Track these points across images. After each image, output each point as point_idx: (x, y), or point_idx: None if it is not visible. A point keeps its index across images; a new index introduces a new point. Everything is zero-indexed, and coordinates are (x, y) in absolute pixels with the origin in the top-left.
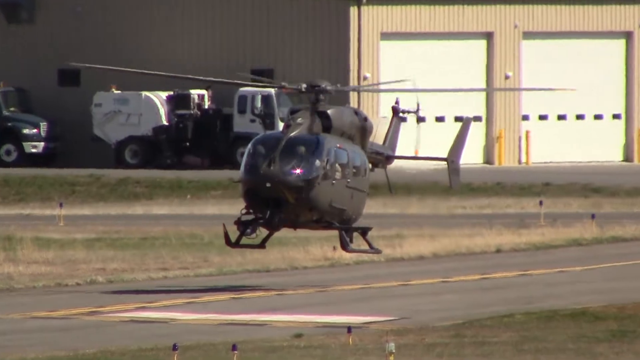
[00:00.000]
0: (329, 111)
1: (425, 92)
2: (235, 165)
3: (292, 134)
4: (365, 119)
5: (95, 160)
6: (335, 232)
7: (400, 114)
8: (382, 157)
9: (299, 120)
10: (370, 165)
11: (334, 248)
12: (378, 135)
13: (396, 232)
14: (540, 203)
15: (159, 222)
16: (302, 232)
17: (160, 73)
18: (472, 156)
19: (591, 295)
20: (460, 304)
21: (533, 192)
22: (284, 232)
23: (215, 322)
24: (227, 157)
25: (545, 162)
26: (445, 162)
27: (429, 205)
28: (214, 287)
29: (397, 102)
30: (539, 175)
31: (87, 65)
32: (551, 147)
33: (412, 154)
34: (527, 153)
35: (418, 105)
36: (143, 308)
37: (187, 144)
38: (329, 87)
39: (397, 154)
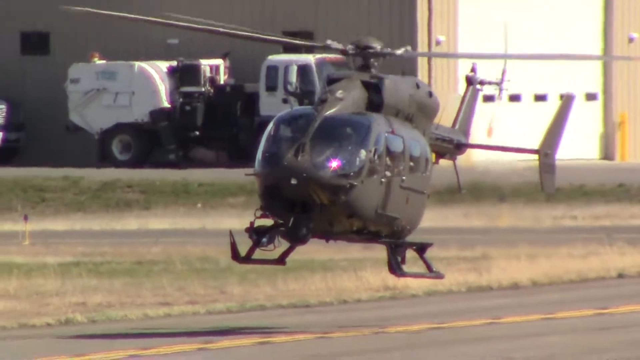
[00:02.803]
0: (379, 82)
1: (521, 59)
2: None
3: (328, 113)
4: (430, 93)
5: (72, 157)
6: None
7: (478, 86)
8: (450, 146)
9: (339, 93)
10: (433, 157)
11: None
12: (446, 116)
13: (482, 252)
14: None
15: (159, 240)
16: (354, 252)
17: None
18: (584, 149)
19: None
20: (569, 348)
21: None
22: (329, 252)
23: None
24: (250, 150)
25: None
26: (537, 156)
27: (526, 215)
28: (233, 328)
29: (473, 70)
30: None
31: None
32: None
33: (487, 141)
34: None
35: (504, 72)
36: (136, 357)
37: (197, 133)
38: (385, 50)
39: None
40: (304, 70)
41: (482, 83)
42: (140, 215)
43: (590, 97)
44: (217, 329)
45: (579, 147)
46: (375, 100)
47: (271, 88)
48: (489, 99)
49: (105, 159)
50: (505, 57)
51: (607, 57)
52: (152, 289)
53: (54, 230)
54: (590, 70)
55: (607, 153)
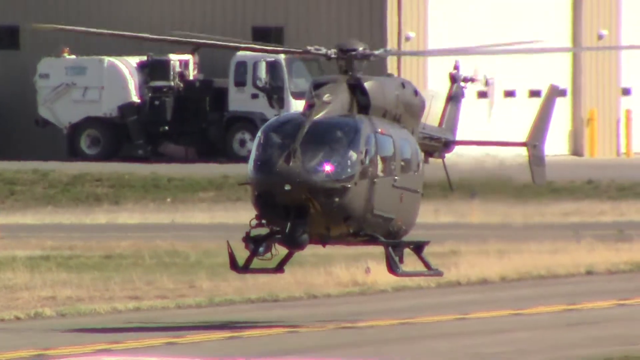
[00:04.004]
0: (366, 84)
1: (487, 54)
2: (231, 157)
3: (317, 117)
4: (416, 92)
5: (41, 151)
6: (375, 248)
7: (462, 83)
8: (438, 144)
9: (326, 97)
10: (423, 156)
11: (367, 269)
12: (430, 115)
13: (451, 248)
14: None
15: (128, 234)
16: (322, 249)
17: (145, 35)
18: (553, 145)
19: None
20: (538, 344)
21: (636, 193)
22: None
23: None
24: (220, 145)
25: None
26: (525, 148)
27: (495, 211)
28: (203, 322)
29: (456, 68)
30: None
31: (42, 25)
32: None
33: (477, 138)
34: (627, 140)
35: (487, 80)
36: (106, 351)
37: (166, 127)
38: (367, 51)
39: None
40: (273, 66)
41: (465, 80)
42: (110, 209)
43: (560, 93)
44: (187, 323)
45: (548, 143)
46: (362, 102)
47: (240, 83)
48: (483, 95)
49: (74, 154)
50: (481, 52)
51: (577, 49)
52: (122, 283)
53: (23, 224)
54: (559, 67)
55: (576, 149)
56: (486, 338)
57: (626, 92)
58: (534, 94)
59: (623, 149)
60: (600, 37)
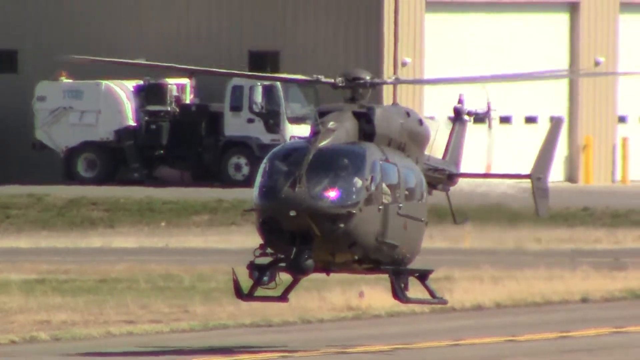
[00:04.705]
0: (370, 112)
1: (497, 81)
2: (226, 182)
3: (322, 144)
4: (420, 121)
5: (38, 174)
6: (374, 276)
7: (466, 117)
8: (442, 176)
9: (331, 125)
10: (426, 185)
11: (361, 293)
12: (434, 147)
13: (445, 274)
14: None
15: (123, 258)
16: (316, 273)
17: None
18: None
19: None
20: None
21: (632, 220)
22: None
23: None
24: (215, 170)
25: None
26: (529, 181)
27: (490, 237)
28: (197, 347)
29: (460, 102)
30: None
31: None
32: None
33: (483, 170)
34: (623, 168)
35: (489, 105)
36: None
37: (162, 151)
38: (378, 80)
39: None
40: (269, 90)
41: (469, 114)
42: (105, 233)
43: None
44: (180, 347)
45: None
46: (367, 130)
47: (236, 108)
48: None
49: (70, 177)
50: (489, 79)
51: (573, 74)
52: (116, 307)
53: (18, 248)
54: (556, 94)
55: (572, 176)
56: None
57: (622, 119)
58: (530, 120)
59: (619, 177)
60: (597, 63)
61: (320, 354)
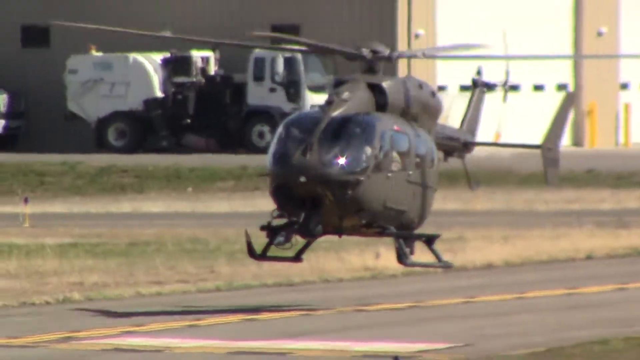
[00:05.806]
0: (384, 83)
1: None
2: (250, 149)
3: (334, 113)
4: (433, 93)
5: (70, 143)
6: (390, 239)
7: (484, 88)
8: (457, 144)
9: (345, 95)
10: (441, 155)
11: (377, 255)
12: (450, 117)
13: (458, 234)
14: None
15: (152, 222)
16: (334, 236)
17: (164, 34)
18: None
19: None
20: (540, 327)
21: (634, 182)
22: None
23: (223, 351)
24: (239, 137)
25: None
26: (540, 150)
27: (499, 199)
28: (221, 306)
29: (479, 73)
30: None
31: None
32: None
33: (493, 139)
34: (626, 132)
35: (507, 74)
36: (130, 333)
37: (188, 120)
38: (406, 52)
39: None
40: (290, 61)
41: (487, 85)
42: (135, 198)
43: (562, 87)
44: (206, 306)
45: None
46: (380, 101)
47: (259, 78)
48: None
49: (101, 146)
50: (507, 57)
51: (577, 57)
52: (145, 269)
53: (52, 213)
54: (562, 63)
55: (577, 140)
56: (491, 320)
57: (625, 86)
58: (538, 88)
59: (622, 140)
60: (599, 34)
61: (339, 311)
